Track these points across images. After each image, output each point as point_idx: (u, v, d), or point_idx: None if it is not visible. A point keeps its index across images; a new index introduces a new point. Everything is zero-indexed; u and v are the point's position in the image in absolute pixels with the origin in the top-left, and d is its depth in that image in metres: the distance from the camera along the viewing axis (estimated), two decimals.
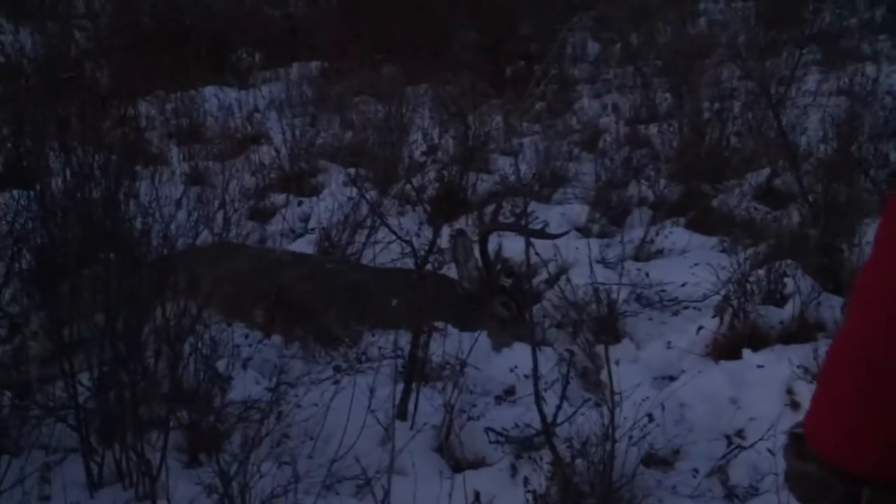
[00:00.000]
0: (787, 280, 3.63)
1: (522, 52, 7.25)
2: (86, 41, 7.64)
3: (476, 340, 3.31)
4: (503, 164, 5.38)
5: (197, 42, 7.19)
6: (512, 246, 4.07)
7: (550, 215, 4.61)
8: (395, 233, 3.79)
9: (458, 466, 2.86)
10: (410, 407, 2.91)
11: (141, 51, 6.95)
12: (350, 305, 3.75)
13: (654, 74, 6.81)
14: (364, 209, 4.46)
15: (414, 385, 2.92)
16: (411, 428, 2.89)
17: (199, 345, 2.84)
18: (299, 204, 5.11)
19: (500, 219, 4.20)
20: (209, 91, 6.68)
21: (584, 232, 4.58)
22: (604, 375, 2.79)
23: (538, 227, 3.81)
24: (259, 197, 5.18)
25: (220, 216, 4.53)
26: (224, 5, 8.23)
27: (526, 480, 2.58)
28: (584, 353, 3.36)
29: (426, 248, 3.73)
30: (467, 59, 6.93)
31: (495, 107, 6.31)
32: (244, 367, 3.08)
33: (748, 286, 3.46)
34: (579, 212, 4.76)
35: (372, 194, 4.83)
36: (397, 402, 2.83)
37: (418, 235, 4.33)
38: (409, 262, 3.94)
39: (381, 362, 3.29)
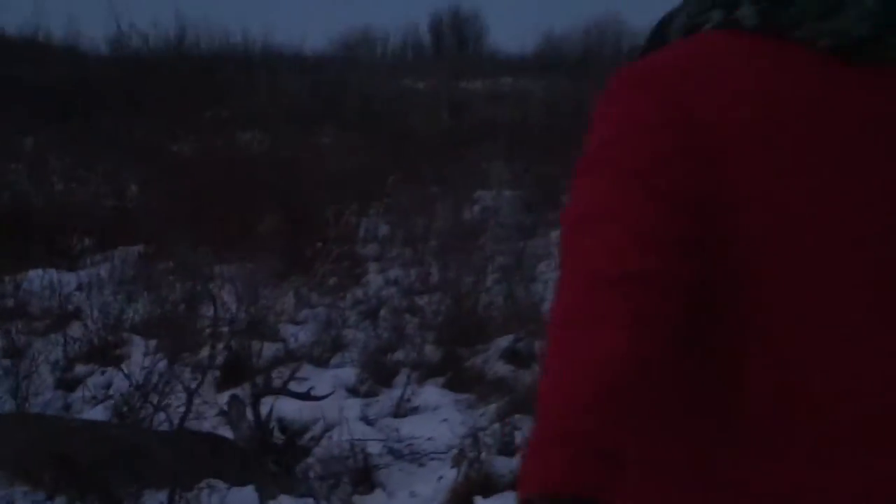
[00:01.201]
0: (518, 432, 4.00)
1: (321, 235, 7.83)
2: None
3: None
4: (291, 332, 5.87)
5: (32, 228, 7.82)
6: (286, 407, 4.46)
7: (324, 377, 5.12)
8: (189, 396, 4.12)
9: None
10: None
11: None
12: (129, 467, 3.90)
13: (430, 253, 7.54)
14: (157, 376, 4.78)
15: None
16: None
17: None
18: (102, 373, 5.42)
19: (274, 383, 4.58)
20: (37, 273, 7.13)
21: (353, 392, 5.04)
22: None
23: (305, 390, 4.33)
24: (66, 368, 5.54)
25: (25, 386, 4.84)
26: (63, 196, 9.07)
27: None
28: (342, 503, 3.77)
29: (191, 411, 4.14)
30: (273, 241, 7.53)
31: (292, 282, 6.90)
32: None
33: (484, 438, 3.86)
34: (350, 374, 5.22)
35: (164, 363, 5.14)
36: None
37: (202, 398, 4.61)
38: (199, 424, 4.38)
39: None
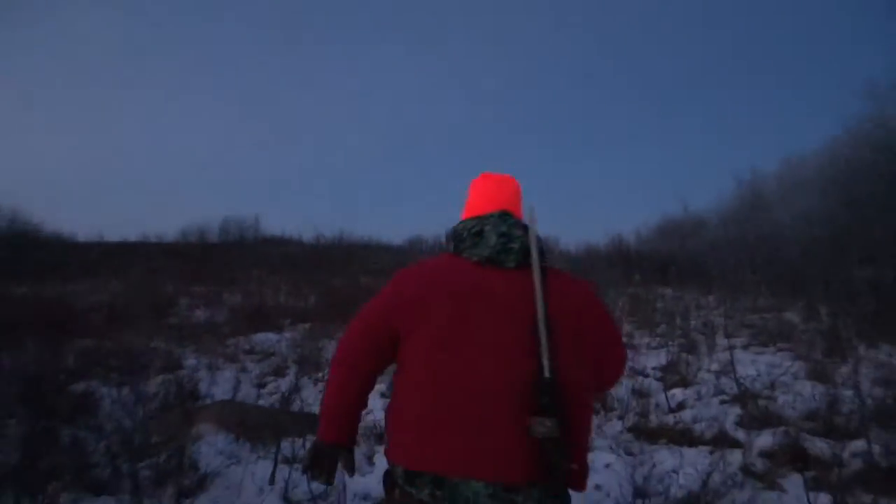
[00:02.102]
0: None
1: None
2: None
3: None
4: None
5: (262, 314, 12.01)
6: None
7: None
8: None
9: None
10: None
11: None
12: (276, 428, 5.56)
13: None
14: (295, 386, 7.91)
15: None
16: None
17: None
18: (275, 381, 8.32)
19: None
20: (262, 335, 10.77)
21: None
22: None
23: None
24: (261, 378, 8.51)
25: (238, 387, 8.03)
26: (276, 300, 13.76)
27: None
28: None
29: None
30: None
31: None
32: None
33: None
34: None
35: (301, 379, 8.15)
36: None
37: None
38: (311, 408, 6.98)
39: None
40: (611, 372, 2.21)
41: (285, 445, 5.41)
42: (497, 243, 2.09)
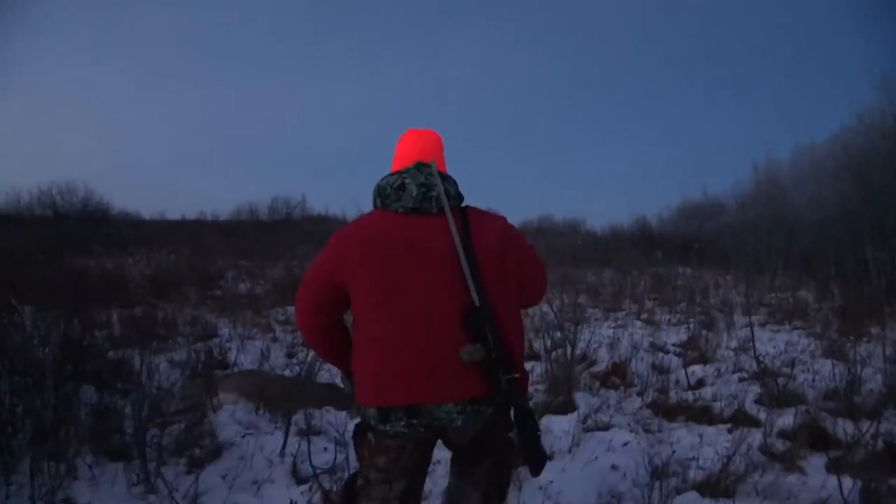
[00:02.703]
0: None
1: None
2: None
3: None
4: None
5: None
6: None
7: None
8: None
9: None
10: None
11: None
12: (295, 398, 5.32)
13: None
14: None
15: None
16: None
17: None
18: (304, 352, 8.10)
19: None
20: None
21: None
22: None
23: None
24: (291, 347, 8.11)
25: (268, 356, 7.65)
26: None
27: None
28: None
29: None
30: None
31: None
32: None
33: None
34: None
35: None
36: None
37: None
38: (331, 378, 6.82)
39: None
40: (534, 290, 2.32)
41: (301, 417, 4.97)
42: (418, 193, 2.15)
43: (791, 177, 29.59)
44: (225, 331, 8.87)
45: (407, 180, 2.18)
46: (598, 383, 6.80)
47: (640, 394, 6.38)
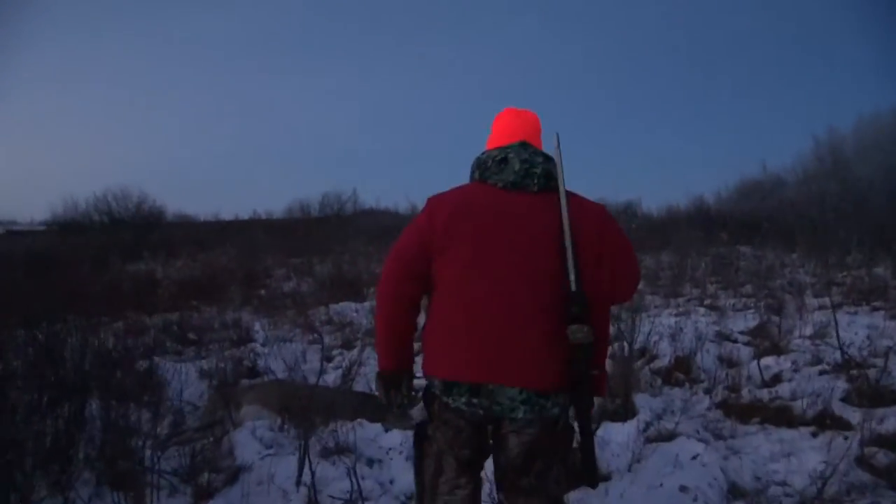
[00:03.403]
0: None
1: None
2: None
3: None
4: None
5: (343, 281, 10.82)
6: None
7: None
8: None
9: None
10: None
11: None
12: (326, 409, 4.76)
13: None
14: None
15: None
16: None
17: None
18: (342, 354, 7.62)
19: None
20: (343, 304, 9.76)
21: None
22: None
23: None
24: (328, 351, 7.74)
25: (298, 361, 7.20)
26: (354, 267, 12.25)
27: None
28: None
29: None
30: None
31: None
32: None
33: None
34: None
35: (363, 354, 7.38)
36: None
37: None
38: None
39: None
40: (626, 284, 2.15)
41: (329, 434, 4.41)
42: (521, 169, 2.09)
43: (856, 148, 27.96)
44: (262, 333, 8.38)
45: (510, 155, 2.13)
46: (659, 381, 6.10)
47: (707, 392, 5.67)
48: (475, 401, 2.01)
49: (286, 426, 4.79)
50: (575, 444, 2.14)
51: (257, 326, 8.85)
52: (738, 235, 19.01)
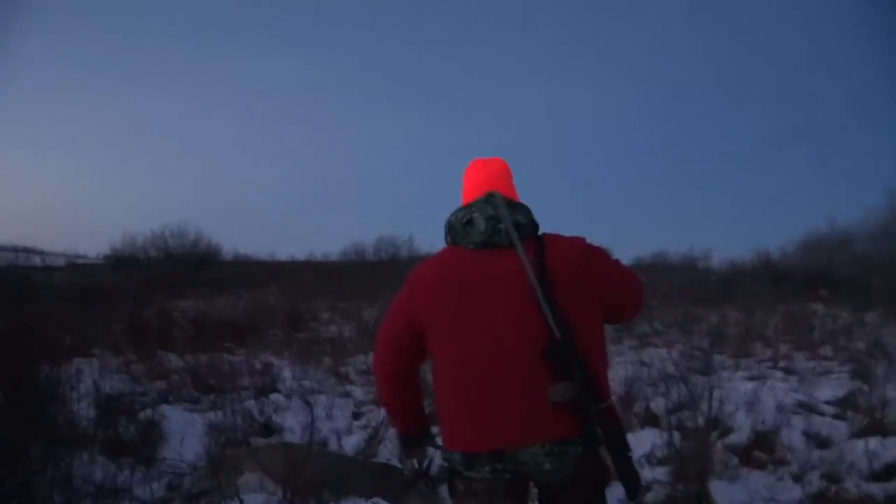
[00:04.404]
0: None
1: None
2: None
3: None
4: None
5: None
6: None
7: None
8: None
9: None
10: None
11: None
12: (338, 482, 4.19)
13: None
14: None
15: None
16: None
17: None
18: (370, 412, 6.90)
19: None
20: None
21: None
22: None
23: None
24: (357, 407, 6.99)
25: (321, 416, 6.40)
26: None
27: None
28: None
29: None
30: None
31: None
32: None
33: None
34: None
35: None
36: None
37: None
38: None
39: None
40: (627, 307, 2.12)
41: None
42: (487, 227, 2.02)
43: None
44: (291, 383, 7.57)
45: (475, 214, 2.06)
46: (735, 460, 5.06)
47: (797, 479, 4.61)
48: (499, 466, 1.92)
49: (288, 500, 3.93)
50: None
51: (287, 374, 8.05)
52: (804, 292, 17.65)
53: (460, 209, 2.13)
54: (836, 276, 18.53)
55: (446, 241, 2.14)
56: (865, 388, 6.94)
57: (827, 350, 10.21)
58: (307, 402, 4.70)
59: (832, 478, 4.51)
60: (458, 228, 2.08)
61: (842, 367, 8.74)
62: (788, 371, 8.79)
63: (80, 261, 29.81)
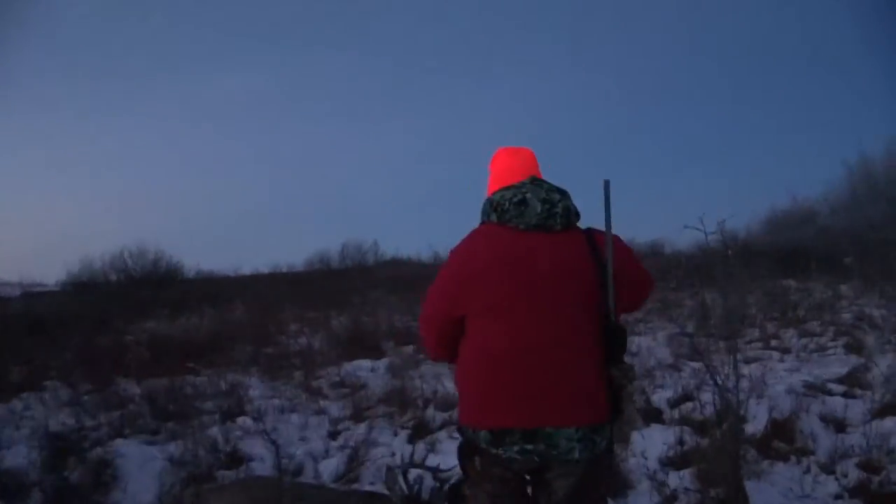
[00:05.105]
0: None
1: None
2: None
3: None
4: None
5: (363, 336, 9.39)
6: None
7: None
8: None
9: None
10: None
11: None
12: None
13: None
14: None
15: None
16: None
17: None
18: (349, 430, 5.85)
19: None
20: (358, 362, 8.27)
21: None
22: None
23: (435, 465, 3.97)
24: (336, 424, 6.19)
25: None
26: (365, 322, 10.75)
27: None
28: None
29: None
30: None
31: None
32: None
33: None
34: None
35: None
36: None
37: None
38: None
39: None
40: (639, 300, 2.20)
41: None
42: (542, 210, 2.03)
43: (889, 172, 26.27)
44: (260, 402, 6.90)
45: (528, 195, 2.04)
46: (752, 451, 4.56)
47: (826, 470, 4.12)
48: (529, 447, 1.88)
49: None
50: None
51: (256, 392, 7.37)
52: (773, 269, 17.42)
53: (506, 189, 2.10)
54: (807, 251, 18.32)
55: (488, 218, 2.10)
56: (869, 363, 6.52)
57: (814, 326, 9.84)
58: (273, 442, 4.05)
59: (869, 467, 4.02)
60: (508, 207, 2.04)
61: (834, 342, 8.35)
62: (783, 350, 8.37)
63: (36, 289, 28.53)
